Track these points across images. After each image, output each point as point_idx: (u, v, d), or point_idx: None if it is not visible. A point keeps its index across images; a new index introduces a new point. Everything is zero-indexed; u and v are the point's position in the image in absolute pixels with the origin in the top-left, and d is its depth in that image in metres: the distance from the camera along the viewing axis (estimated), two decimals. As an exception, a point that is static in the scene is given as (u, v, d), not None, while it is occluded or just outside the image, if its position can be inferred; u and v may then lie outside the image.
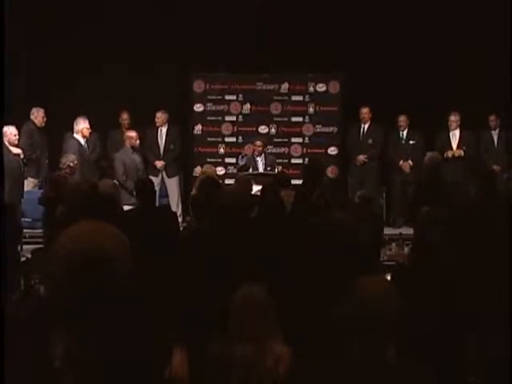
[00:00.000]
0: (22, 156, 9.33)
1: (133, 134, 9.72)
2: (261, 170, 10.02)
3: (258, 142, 10.29)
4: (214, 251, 5.05)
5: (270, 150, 10.94)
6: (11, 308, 3.66)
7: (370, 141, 10.63)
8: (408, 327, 2.72)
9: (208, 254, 5.12)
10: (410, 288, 3.63)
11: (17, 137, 9.36)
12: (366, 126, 10.71)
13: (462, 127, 10.46)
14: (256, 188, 8.09)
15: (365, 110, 10.67)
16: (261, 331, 3.16)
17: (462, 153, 10.35)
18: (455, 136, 10.48)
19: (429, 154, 9.20)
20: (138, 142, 9.76)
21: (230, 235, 5.14)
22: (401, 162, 10.44)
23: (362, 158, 10.56)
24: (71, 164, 8.23)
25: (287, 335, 3.27)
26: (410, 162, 10.34)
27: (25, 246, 7.38)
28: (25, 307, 3.48)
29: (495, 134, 10.47)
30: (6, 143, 9.25)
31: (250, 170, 10.01)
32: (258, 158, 10.17)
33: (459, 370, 3.68)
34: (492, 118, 10.43)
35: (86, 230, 3.64)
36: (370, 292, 2.61)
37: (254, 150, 10.31)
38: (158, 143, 10.54)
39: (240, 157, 10.34)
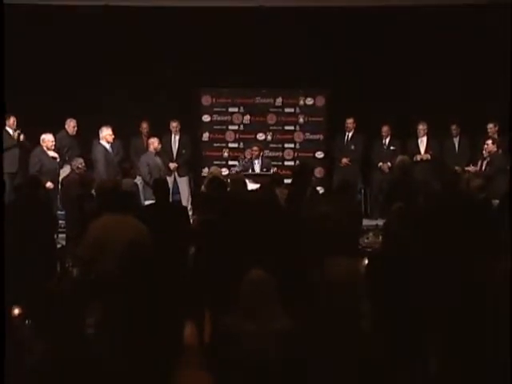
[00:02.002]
0: (58, 159, 9.38)
1: (156, 140, 9.85)
2: (257, 170, 10.08)
3: (255, 148, 10.37)
4: (219, 239, 5.09)
5: (266, 154, 10.99)
6: (51, 286, 3.73)
7: (353, 146, 10.62)
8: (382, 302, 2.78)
9: (214, 240, 5.17)
10: (383, 269, 3.68)
11: (53, 142, 9.42)
12: (350, 134, 10.69)
13: (428, 135, 10.49)
14: (254, 186, 8.14)
15: (350, 121, 10.65)
16: (265, 311, 3.12)
17: (428, 156, 10.39)
18: (423, 142, 10.48)
19: (400, 157, 9.22)
20: (160, 146, 9.88)
21: (233, 225, 5.18)
22: (380, 163, 10.47)
23: (345, 160, 10.57)
24: (80, 166, 8.34)
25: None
26: (388, 163, 10.32)
27: (60, 235, 7.39)
28: (61, 285, 3.54)
29: (456, 141, 10.49)
30: (45, 148, 9.34)
31: (250, 170, 10.09)
32: (256, 161, 10.24)
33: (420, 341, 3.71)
34: (453, 127, 10.45)
35: (112, 221, 3.71)
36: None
37: (252, 154, 10.39)
38: (171, 148, 10.57)
39: (239, 161, 10.46)
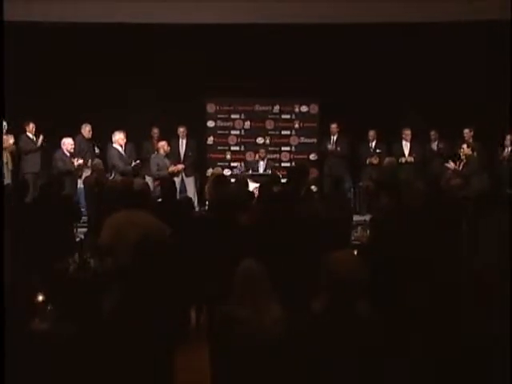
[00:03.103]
0: (80, 162, 9.37)
1: (165, 143, 9.96)
2: (261, 171, 10.15)
3: (262, 150, 10.54)
4: (220, 230, 5.06)
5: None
6: (71, 274, 3.75)
7: (338, 148, 10.64)
8: (370, 287, 2.77)
9: (216, 234, 5.15)
10: (369, 259, 3.67)
11: (73, 146, 9.44)
12: (335, 137, 10.71)
13: (412, 139, 10.50)
14: (254, 185, 8.15)
15: (333, 125, 10.67)
16: (258, 298, 3.06)
17: (412, 159, 10.39)
18: (407, 146, 10.50)
19: (387, 159, 9.25)
20: (168, 148, 9.98)
21: (233, 219, 5.15)
22: (368, 159, 10.41)
23: (331, 148, 10.57)
24: (99, 167, 8.44)
25: (281, 297, 3.18)
26: (377, 159, 10.28)
27: (80, 229, 7.37)
28: (80, 274, 3.56)
29: (435, 145, 10.50)
30: (65, 151, 9.36)
31: (250, 171, 10.14)
32: (261, 162, 10.32)
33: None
34: (432, 132, 10.48)
35: (128, 216, 3.71)
36: (342, 260, 2.67)
37: (258, 156, 10.47)
38: (179, 151, 10.55)
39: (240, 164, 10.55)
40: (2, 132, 9.27)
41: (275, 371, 2.81)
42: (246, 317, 3.02)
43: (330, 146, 10.62)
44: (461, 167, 9.63)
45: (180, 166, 10.26)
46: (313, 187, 9.05)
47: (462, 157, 9.71)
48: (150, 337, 2.84)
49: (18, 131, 9.81)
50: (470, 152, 9.72)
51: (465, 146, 9.78)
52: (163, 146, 9.91)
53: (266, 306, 3.07)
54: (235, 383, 2.97)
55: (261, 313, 3.04)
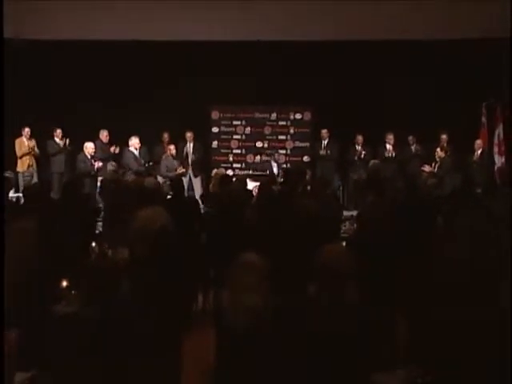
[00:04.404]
0: (99, 165, 9.39)
1: (173, 147, 10.03)
2: (275, 171, 10.28)
3: (277, 154, 10.78)
4: (223, 226, 5.08)
5: (264, 159, 11.07)
6: (91, 263, 3.77)
7: (328, 151, 10.64)
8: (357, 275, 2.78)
9: (220, 227, 5.16)
10: (357, 251, 3.68)
11: (94, 149, 9.47)
12: (325, 142, 10.73)
13: (394, 143, 10.51)
14: (253, 184, 8.16)
15: (324, 131, 10.69)
16: (253, 288, 2.91)
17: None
18: (390, 149, 10.50)
19: (372, 161, 9.26)
20: (175, 151, 10.03)
21: (234, 216, 5.16)
22: (356, 157, 10.44)
23: (322, 152, 10.62)
24: (114, 168, 8.51)
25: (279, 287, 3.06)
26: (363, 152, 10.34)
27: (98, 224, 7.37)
28: (99, 263, 3.58)
29: (413, 148, 10.48)
30: (87, 154, 9.39)
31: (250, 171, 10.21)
32: (275, 164, 10.48)
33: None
34: (410, 137, 10.47)
35: (145, 212, 3.68)
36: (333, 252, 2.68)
37: (272, 158, 10.65)
38: (187, 154, 10.57)
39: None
40: (3, 136, 9.37)
41: (269, 363, 2.76)
42: (238, 304, 2.93)
43: (321, 152, 10.64)
44: (436, 169, 9.68)
45: (181, 170, 10.13)
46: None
47: (437, 159, 9.79)
48: (153, 327, 2.82)
49: (43, 136, 9.98)
50: (443, 155, 9.79)
51: (438, 149, 9.85)
52: (172, 149, 10.00)
53: (262, 298, 2.93)
54: (228, 368, 2.93)
55: (255, 303, 2.91)
